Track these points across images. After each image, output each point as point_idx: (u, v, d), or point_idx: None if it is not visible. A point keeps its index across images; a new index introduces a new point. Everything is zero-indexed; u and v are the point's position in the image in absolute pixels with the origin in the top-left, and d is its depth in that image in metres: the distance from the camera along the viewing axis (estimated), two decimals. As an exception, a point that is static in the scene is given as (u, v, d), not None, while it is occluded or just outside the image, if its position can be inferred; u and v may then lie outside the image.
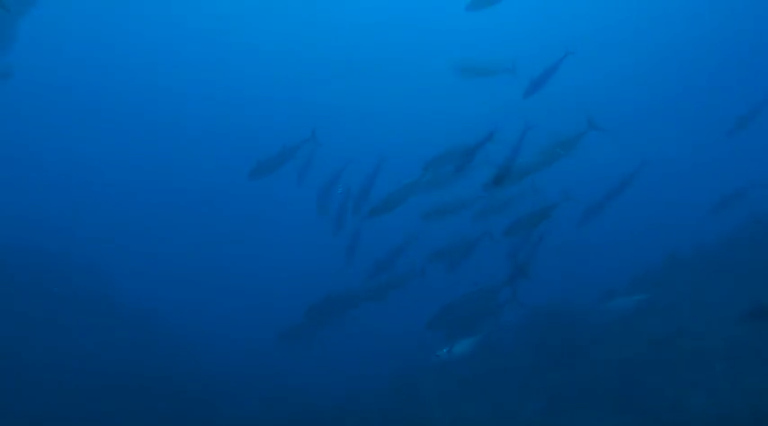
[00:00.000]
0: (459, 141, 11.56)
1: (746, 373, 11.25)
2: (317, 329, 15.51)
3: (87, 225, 19.64)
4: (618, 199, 8.11)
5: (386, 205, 7.67)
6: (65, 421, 11.26)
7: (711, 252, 14.48)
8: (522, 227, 9.08)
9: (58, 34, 20.95)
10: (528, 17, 22.56)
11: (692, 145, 19.76)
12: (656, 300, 14.28)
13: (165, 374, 13.60)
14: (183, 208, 22.28)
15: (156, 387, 13.00)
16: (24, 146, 21.45)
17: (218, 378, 13.85)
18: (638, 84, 22.92)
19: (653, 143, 18.61)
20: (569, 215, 9.10)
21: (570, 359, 12.86)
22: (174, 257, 20.08)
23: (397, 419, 11.32)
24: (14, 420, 10.81)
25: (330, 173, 9.77)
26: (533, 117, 8.19)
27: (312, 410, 12.25)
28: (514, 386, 12.25)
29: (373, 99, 24.40)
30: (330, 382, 13.33)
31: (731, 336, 12.17)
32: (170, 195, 22.37)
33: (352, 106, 23.88)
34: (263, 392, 13.24)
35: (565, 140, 8.11)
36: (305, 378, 13.94)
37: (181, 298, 17.80)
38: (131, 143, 23.88)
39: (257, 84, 25.10)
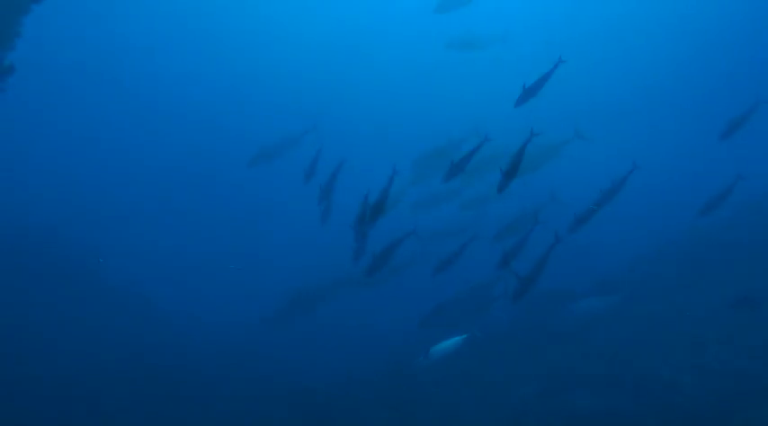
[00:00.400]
0: (447, 139, 11.76)
1: (737, 356, 11.55)
2: (300, 314, 15.83)
3: (83, 212, 19.88)
4: (609, 204, 8.14)
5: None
6: (57, 401, 11.57)
7: (706, 239, 14.75)
8: (511, 232, 9.23)
9: (61, 30, 21.08)
10: (523, 19, 22.58)
11: (685, 147, 19.83)
12: (653, 286, 14.60)
13: (162, 357, 13.93)
14: (183, 198, 22.46)
15: (152, 370, 13.33)
16: (24, 142, 21.67)
17: (214, 361, 14.15)
18: (629, 86, 22.90)
19: (644, 146, 18.67)
20: (568, 211, 9.19)
21: (565, 342, 13.14)
22: (171, 243, 20.30)
23: (391, 401, 11.54)
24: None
25: (329, 172, 9.87)
26: (523, 119, 8.32)
27: (307, 391, 12.53)
28: (509, 367, 12.51)
29: (371, 98, 24.57)
30: (326, 367, 13.67)
31: (725, 321, 12.49)
32: (169, 188, 22.55)
33: (350, 105, 24.01)
34: (259, 374, 13.57)
35: (551, 146, 8.22)
36: (301, 363, 14.20)
37: (177, 282, 18.05)
38: (129, 135, 24.06)
39: (254, 81, 25.26)
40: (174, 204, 21.93)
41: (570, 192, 12.11)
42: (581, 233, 8.59)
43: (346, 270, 12.38)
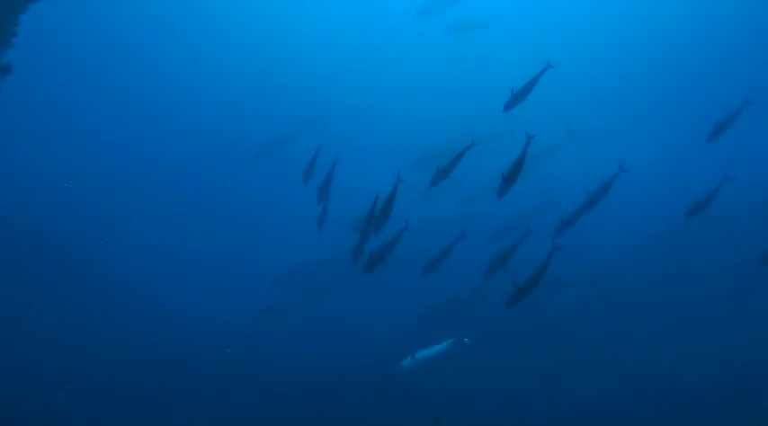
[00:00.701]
0: (441, 142, 11.84)
1: (735, 345, 11.79)
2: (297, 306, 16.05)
3: (81, 210, 19.99)
4: (596, 207, 8.25)
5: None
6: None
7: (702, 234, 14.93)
8: (505, 234, 9.32)
9: (59, 28, 21.08)
10: (515, 20, 22.56)
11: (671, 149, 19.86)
12: (652, 272, 14.84)
13: (160, 353, 14.10)
14: (182, 195, 22.55)
15: (151, 366, 13.49)
16: (23, 142, 21.73)
17: (214, 357, 14.31)
18: (621, 87, 22.77)
19: (631, 148, 18.69)
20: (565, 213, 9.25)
21: (566, 329, 13.35)
22: (171, 240, 20.43)
23: (394, 390, 11.69)
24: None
25: (325, 173, 9.98)
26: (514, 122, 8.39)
27: (307, 386, 12.67)
28: (511, 355, 12.72)
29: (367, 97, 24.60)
30: (325, 362, 13.80)
31: (723, 312, 12.73)
32: (168, 185, 22.66)
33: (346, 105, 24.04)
34: (257, 369, 13.76)
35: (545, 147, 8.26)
36: (300, 359, 14.37)
37: (176, 278, 18.19)
38: (129, 133, 24.10)
39: (253, 80, 25.27)
40: (174, 201, 22.01)
41: (567, 194, 12.20)
42: (580, 228, 8.72)
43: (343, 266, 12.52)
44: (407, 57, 24.11)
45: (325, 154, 10.46)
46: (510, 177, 7.31)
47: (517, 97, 7.88)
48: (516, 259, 8.62)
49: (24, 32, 10.94)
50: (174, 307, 16.88)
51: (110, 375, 13.01)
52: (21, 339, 13.50)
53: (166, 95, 24.94)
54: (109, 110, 24.27)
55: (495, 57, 22.09)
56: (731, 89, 10.95)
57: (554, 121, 16.77)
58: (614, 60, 23.63)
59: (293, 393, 12.81)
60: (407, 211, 9.48)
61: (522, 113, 8.48)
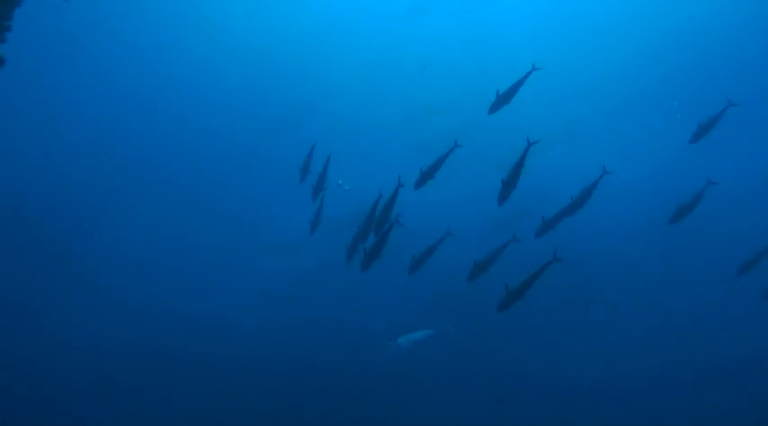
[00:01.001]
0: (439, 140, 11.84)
1: (741, 329, 11.97)
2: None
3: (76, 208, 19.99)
4: (579, 211, 8.32)
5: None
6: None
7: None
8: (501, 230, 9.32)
9: (51, 23, 21.06)
10: (506, 19, 22.58)
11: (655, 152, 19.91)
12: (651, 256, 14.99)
13: (162, 348, 14.16)
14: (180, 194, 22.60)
15: (154, 361, 13.57)
16: (17, 138, 21.75)
17: (214, 355, 14.46)
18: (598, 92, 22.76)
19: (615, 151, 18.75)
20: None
21: (569, 313, 13.50)
22: (170, 239, 20.47)
23: (403, 373, 11.82)
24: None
25: (319, 167, 10.05)
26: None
27: (310, 378, 12.76)
28: (512, 338, 12.87)
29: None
30: (324, 360, 13.98)
31: (728, 293, 12.89)
32: (164, 184, 22.69)
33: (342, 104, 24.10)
34: (257, 368, 14.05)
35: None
36: (300, 356, 14.42)
37: (169, 278, 18.24)
38: (124, 131, 24.11)
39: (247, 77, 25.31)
40: (171, 198, 22.05)
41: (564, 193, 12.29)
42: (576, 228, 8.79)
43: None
44: (402, 53, 24.13)
45: (321, 151, 10.54)
46: (510, 182, 7.40)
47: (502, 99, 7.95)
48: (513, 256, 8.71)
49: (18, 27, 10.92)
50: (172, 304, 16.93)
51: (109, 371, 13.09)
52: (18, 336, 13.55)
53: (162, 93, 24.96)
54: (104, 106, 24.27)
55: (492, 55, 22.13)
56: (722, 91, 11.03)
57: (549, 120, 16.77)
58: (608, 60, 23.66)
59: (292, 388, 12.89)
60: (405, 210, 9.58)
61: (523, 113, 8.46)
